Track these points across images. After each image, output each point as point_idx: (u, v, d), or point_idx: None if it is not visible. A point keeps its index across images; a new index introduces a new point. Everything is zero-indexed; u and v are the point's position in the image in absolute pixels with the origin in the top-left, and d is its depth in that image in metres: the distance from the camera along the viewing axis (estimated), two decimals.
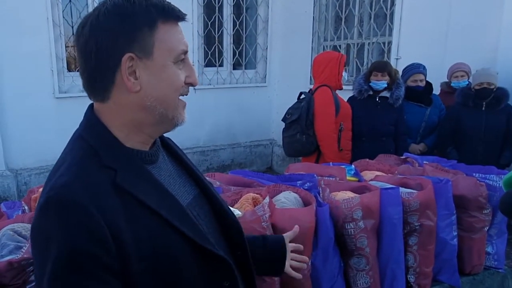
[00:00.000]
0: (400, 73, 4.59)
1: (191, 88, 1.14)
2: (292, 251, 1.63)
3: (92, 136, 1.07)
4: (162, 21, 1.04)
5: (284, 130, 4.16)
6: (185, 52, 1.09)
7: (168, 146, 1.27)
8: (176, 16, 1.06)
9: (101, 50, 1.01)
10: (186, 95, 1.12)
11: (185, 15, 1.09)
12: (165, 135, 1.24)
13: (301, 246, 1.66)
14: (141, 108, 1.06)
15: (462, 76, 4.67)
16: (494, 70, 4.32)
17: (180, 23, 1.09)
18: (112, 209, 0.97)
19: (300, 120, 3.97)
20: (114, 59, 1.01)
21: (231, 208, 1.41)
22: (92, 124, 1.09)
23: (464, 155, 4.26)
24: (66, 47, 6.09)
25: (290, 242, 1.64)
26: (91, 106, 1.12)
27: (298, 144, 4.02)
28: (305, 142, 3.98)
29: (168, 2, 1.07)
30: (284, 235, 1.59)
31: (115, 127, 1.08)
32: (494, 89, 4.21)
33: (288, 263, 1.57)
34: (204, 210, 1.22)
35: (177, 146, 1.31)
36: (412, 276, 2.28)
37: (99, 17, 1.01)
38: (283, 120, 4.15)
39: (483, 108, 4.25)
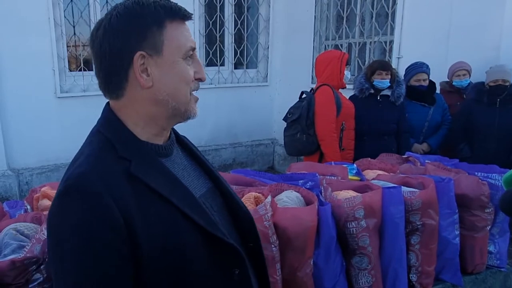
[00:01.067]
0: (403, 72, 4.58)
1: None
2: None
3: (109, 131, 1.13)
4: (169, 20, 1.10)
5: (285, 129, 4.16)
6: (193, 49, 1.15)
7: (183, 143, 1.33)
8: (183, 15, 1.13)
9: (114, 51, 1.08)
10: (197, 90, 1.19)
11: (191, 14, 1.16)
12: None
13: None
14: (154, 103, 1.12)
15: (464, 75, 4.66)
16: (508, 67, 4.30)
17: (186, 22, 1.15)
18: (125, 197, 1.02)
19: (301, 119, 3.97)
20: (126, 58, 1.08)
21: None
22: (109, 120, 1.15)
23: (476, 152, 4.26)
24: (67, 46, 6.10)
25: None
26: (107, 104, 1.18)
27: (299, 144, 4.02)
28: (305, 142, 3.98)
29: (175, 2, 1.13)
30: None
31: (130, 122, 1.14)
32: (508, 86, 4.20)
33: None
34: (217, 203, 1.27)
35: (192, 143, 1.36)
36: (414, 275, 2.28)
37: (111, 20, 1.09)
38: (284, 119, 4.15)
39: (497, 105, 4.24)
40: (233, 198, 1.33)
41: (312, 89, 4.16)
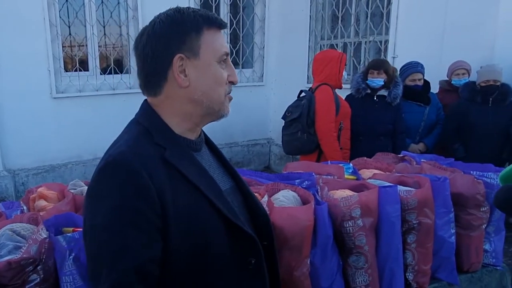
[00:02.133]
0: (398, 72, 4.59)
1: None
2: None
3: (146, 121, 1.26)
4: (207, 27, 1.22)
5: (284, 128, 4.16)
6: (227, 54, 1.27)
7: (210, 143, 1.45)
8: (219, 24, 1.25)
9: (156, 53, 1.21)
10: (230, 92, 1.31)
11: (226, 24, 1.30)
12: None
13: None
14: (190, 101, 1.24)
15: (463, 74, 4.67)
16: (499, 67, 4.33)
17: (222, 31, 1.27)
18: (159, 176, 1.14)
19: (301, 118, 3.97)
20: (167, 59, 1.20)
21: None
22: (147, 112, 1.28)
23: (470, 151, 4.28)
24: (63, 47, 6.09)
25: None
26: (146, 101, 1.31)
27: (298, 142, 4.02)
28: (306, 141, 3.98)
29: (212, 13, 1.26)
30: None
31: (166, 116, 1.26)
32: (500, 85, 4.24)
33: None
34: (237, 200, 1.38)
35: (217, 146, 1.48)
36: (410, 274, 2.29)
37: (154, 26, 1.21)
38: (283, 118, 4.15)
39: (490, 104, 4.27)
40: (253, 198, 1.44)
41: (310, 88, 4.16)
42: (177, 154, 1.21)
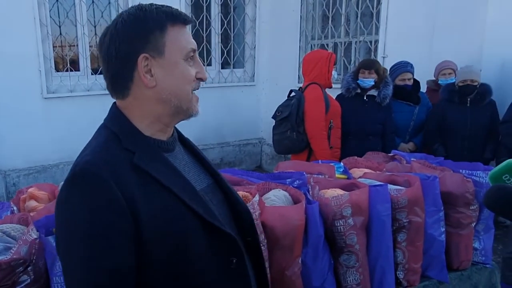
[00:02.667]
0: (388, 72, 4.61)
1: None
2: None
3: (114, 125, 1.22)
4: (171, 24, 1.19)
5: (274, 128, 4.17)
6: (194, 50, 1.24)
7: (185, 141, 1.41)
8: (183, 19, 1.22)
9: (120, 54, 1.17)
10: (197, 89, 1.27)
11: (191, 19, 1.25)
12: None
13: None
14: (158, 101, 1.20)
15: (449, 73, 4.72)
16: (477, 67, 4.39)
17: (187, 26, 1.25)
18: (129, 184, 1.11)
19: (291, 117, 3.98)
20: (131, 60, 1.17)
21: None
22: (115, 116, 1.24)
23: (450, 151, 4.33)
24: (53, 47, 6.06)
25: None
26: (114, 103, 1.27)
27: (288, 141, 4.03)
28: (295, 140, 4.00)
29: (175, 8, 1.23)
30: None
31: (135, 119, 1.22)
32: (478, 86, 4.28)
33: None
34: (217, 197, 1.35)
35: (193, 143, 1.45)
36: (401, 273, 2.30)
37: (116, 26, 1.18)
38: (273, 117, 4.16)
39: (468, 104, 4.32)
40: (233, 194, 1.41)
41: (300, 87, 4.18)
42: (147, 158, 1.17)
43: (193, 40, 1.25)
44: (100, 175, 1.08)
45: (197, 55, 1.26)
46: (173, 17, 1.19)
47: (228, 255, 1.24)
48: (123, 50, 1.16)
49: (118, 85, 1.21)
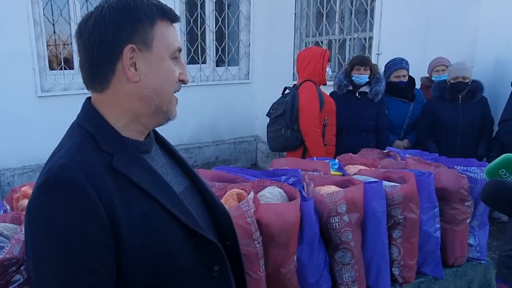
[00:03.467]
0: (382, 68, 4.62)
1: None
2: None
3: (89, 124, 1.12)
4: (160, 19, 1.13)
5: (268, 125, 4.17)
6: (180, 50, 1.18)
7: (161, 141, 1.33)
8: (173, 16, 1.16)
9: (104, 42, 1.08)
10: (178, 91, 1.20)
11: (179, 18, 1.19)
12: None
13: None
14: (139, 98, 1.13)
15: (443, 70, 4.72)
16: (468, 64, 4.39)
17: (174, 25, 1.18)
18: (107, 189, 1.02)
19: (285, 114, 3.98)
20: (116, 50, 1.08)
21: None
22: (89, 114, 1.15)
23: (442, 148, 4.34)
24: (47, 45, 6.03)
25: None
26: (88, 99, 1.18)
27: (283, 139, 4.03)
28: (290, 137, 3.99)
29: (165, 4, 1.16)
30: None
31: (112, 117, 1.14)
32: (469, 83, 4.28)
33: None
34: (195, 200, 1.28)
35: (169, 143, 1.36)
36: (396, 269, 2.30)
37: (102, 11, 1.09)
38: (268, 115, 4.16)
39: (460, 101, 4.33)
40: (211, 196, 1.34)
41: (295, 85, 4.17)
42: (126, 161, 1.09)
43: (179, 39, 1.19)
44: (75, 181, 0.98)
45: (180, 56, 1.20)
46: (163, 12, 1.13)
47: (211, 263, 1.18)
48: (109, 38, 1.07)
49: (97, 76, 1.12)
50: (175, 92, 1.18)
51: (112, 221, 1.01)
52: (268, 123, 4.17)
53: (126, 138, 1.14)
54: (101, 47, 1.08)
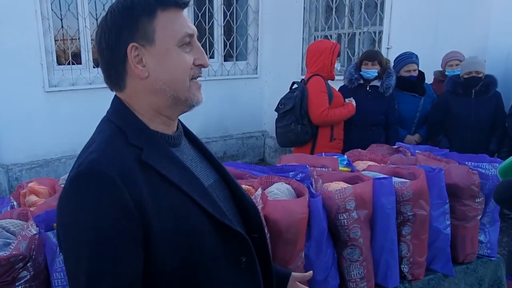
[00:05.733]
0: (392, 62, 4.58)
1: None
2: None
3: (119, 119, 1.16)
4: (161, 9, 1.12)
5: (277, 120, 4.16)
6: (190, 35, 1.16)
7: (190, 135, 1.35)
8: (175, 2, 1.13)
9: (110, 46, 1.12)
10: (200, 76, 1.19)
11: (187, 1, 1.16)
12: None
13: None
14: (154, 92, 1.15)
15: (456, 65, 4.67)
16: (481, 59, 4.35)
17: (185, 10, 1.17)
18: (137, 183, 1.05)
19: (294, 109, 3.98)
20: (121, 51, 1.12)
21: None
22: (118, 109, 1.18)
23: (453, 143, 4.31)
24: (55, 40, 6.04)
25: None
26: (116, 96, 1.21)
27: (293, 134, 4.03)
28: (300, 132, 3.99)
29: None
30: (292, 274, 1.57)
31: (138, 112, 1.17)
32: (483, 77, 4.23)
33: None
34: (223, 193, 1.31)
35: (198, 137, 1.39)
36: (405, 266, 2.28)
37: (107, 17, 1.14)
38: (276, 110, 4.15)
39: (473, 96, 4.28)
40: (239, 189, 1.36)
41: (303, 79, 4.16)
42: (155, 154, 1.12)
43: (190, 24, 1.17)
44: (105, 174, 1.02)
45: (195, 40, 1.18)
46: (163, 1, 1.12)
47: (239, 254, 1.20)
48: (112, 41, 1.11)
49: (114, 77, 1.17)
50: (194, 78, 1.17)
51: (140, 213, 1.04)
52: (277, 119, 4.16)
53: (155, 132, 1.17)
54: (109, 51, 1.13)
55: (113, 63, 1.14)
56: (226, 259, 1.18)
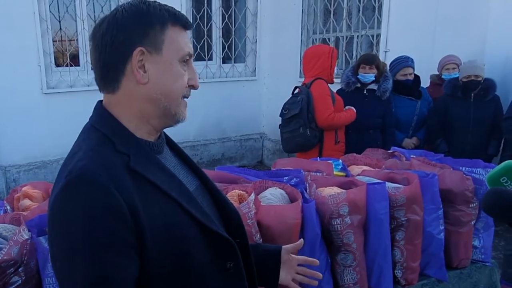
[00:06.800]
0: (388, 66, 4.59)
1: None
2: (303, 265, 1.61)
3: (104, 126, 1.16)
4: (172, 24, 1.16)
5: (283, 126, 4.16)
6: (190, 55, 1.20)
7: (170, 142, 1.36)
8: (185, 22, 1.19)
9: (115, 43, 1.12)
10: (188, 97, 1.22)
11: (192, 25, 1.23)
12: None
13: (315, 261, 1.63)
14: (148, 100, 1.16)
15: (453, 68, 4.69)
16: (480, 62, 4.35)
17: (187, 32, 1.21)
18: (128, 189, 1.05)
19: (302, 113, 3.99)
20: (126, 51, 1.12)
21: None
22: (103, 116, 1.18)
23: (452, 146, 4.31)
24: (53, 42, 6.04)
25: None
26: (99, 102, 1.21)
27: (301, 138, 4.04)
28: (309, 136, 4.01)
29: (178, 10, 1.20)
30: (283, 246, 1.57)
31: (124, 119, 1.17)
32: (481, 81, 4.24)
33: (288, 276, 1.56)
34: (205, 199, 1.32)
35: (176, 143, 1.39)
36: (399, 271, 2.28)
37: (116, 15, 1.14)
38: (281, 115, 4.16)
39: (472, 99, 4.29)
40: (220, 195, 1.38)
41: (304, 84, 4.16)
42: (142, 161, 1.13)
43: (191, 45, 1.22)
44: (98, 180, 1.02)
45: (192, 62, 1.22)
46: (175, 17, 1.17)
47: (226, 259, 1.22)
48: (119, 39, 1.12)
49: (109, 77, 1.16)
50: (184, 98, 1.21)
51: (134, 219, 1.04)
52: (282, 124, 4.17)
53: (140, 139, 1.18)
54: (112, 48, 1.12)
55: (112, 62, 1.14)
56: (214, 264, 1.19)
